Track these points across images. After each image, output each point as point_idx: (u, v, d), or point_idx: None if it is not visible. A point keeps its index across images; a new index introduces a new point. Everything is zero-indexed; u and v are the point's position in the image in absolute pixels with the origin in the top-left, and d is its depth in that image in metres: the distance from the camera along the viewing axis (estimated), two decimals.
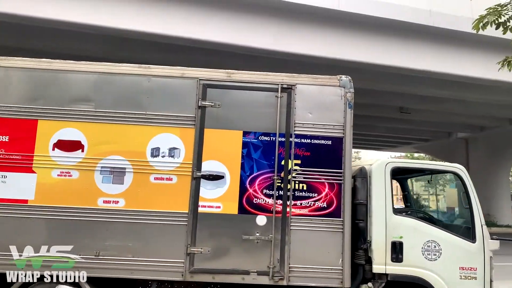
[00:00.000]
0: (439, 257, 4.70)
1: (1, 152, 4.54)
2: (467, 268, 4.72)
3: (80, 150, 4.60)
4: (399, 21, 12.52)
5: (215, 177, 4.64)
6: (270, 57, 12.81)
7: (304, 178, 4.68)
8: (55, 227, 4.48)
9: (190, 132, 4.69)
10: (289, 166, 4.68)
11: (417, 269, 4.69)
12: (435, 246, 4.71)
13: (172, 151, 4.65)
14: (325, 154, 4.74)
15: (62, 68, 4.73)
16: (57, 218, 4.48)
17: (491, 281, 4.76)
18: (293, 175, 4.67)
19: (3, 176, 4.51)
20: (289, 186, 4.65)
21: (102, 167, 4.58)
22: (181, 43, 11.91)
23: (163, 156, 4.64)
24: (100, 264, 4.43)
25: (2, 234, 4.43)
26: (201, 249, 4.50)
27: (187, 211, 4.56)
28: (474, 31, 6.75)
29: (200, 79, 4.78)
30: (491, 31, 6.86)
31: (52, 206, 4.49)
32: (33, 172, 4.54)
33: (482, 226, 4.82)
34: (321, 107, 4.82)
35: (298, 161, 4.71)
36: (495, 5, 6.67)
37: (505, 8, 6.59)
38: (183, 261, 4.48)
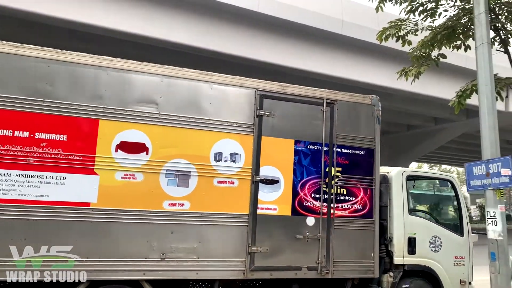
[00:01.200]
0: (440, 249, 5.79)
1: (58, 152, 4.26)
2: (458, 257, 5.91)
3: (145, 152, 4.55)
4: (314, 27, 13.15)
5: (271, 182, 5.01)
6: (192, 53, 12.76)
7: (344, 183, 5.33)
8: (119, 231, 4.38)
9: (249, 139, 4.99)
10: (332, 173, 5.29)
11: (426, 259, 5.71)
12: (438, 240, 5.79)
13: (233, 156, 4.90)
14: (360, 163, 5.46)
15: (124, 68, 4.61)
16: (121, 221, 4.39)
17: (472, 266, 6.03)
18: (335, 181, 5.29)
19: (62, 178, 4.25)
20: (332, 191, 5.26)
21: (167, 170, 4.61)
22: (100, 33, 11.42)
23: (225, 161, 4.85)
24: (166, 266, 4.48)
25: (64, 238, 4.18)
26: (260, 248, 4.84)
27: (247, 213, 4.85)
28: (378, 42, 7.20)
29: (257, 90, 5.10)
30: (394, 43, 7.33)
31: (116, 209, 4.38)
32: (95, 174, 4.36)
33: (467, 223, 6.06)
34: (357, 122, 5.53)
35: (339, 169, 5.34)
36: (396, 19, 7.07)
37: (404, 23, 7.00)
38: (244, 259, 4.77)
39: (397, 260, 5.58)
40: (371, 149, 5.54)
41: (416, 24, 7.06)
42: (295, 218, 5.06)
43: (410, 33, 7.04)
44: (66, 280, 4.17)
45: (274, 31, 13.17)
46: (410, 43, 7.11)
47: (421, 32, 7.01)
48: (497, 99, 5.74)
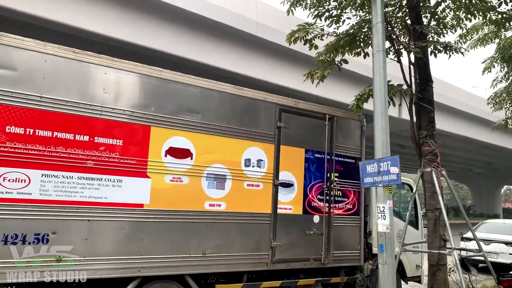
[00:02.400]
0: (405, 238, 7.12)
1: (115, 156, 4.50)
2: (415, 247, 7.32)
3: (189, 158, 4.99)
4: (229, 26, 13.28)
5: (288, 185, 5.79)
6: (107, 43, 12.30)
7: (340, 187, 6.34)
8: (168, 230, 4.76)
9: (271, 147, 5.70)
10: (332, 178, 6.26)
11: (395, 248, 6.99)
12: (402, 232, 7.11)
13: (259, 162, 5.56)
14: (351, 169, 6.51)
15: (171, 79, 4.97)
16: (170, 221, 4.78)
17: (422, 254, 7.52)
18: (334, 184, 6.27)
19: (119, 181, 4.50)
20: (331, 193, 6.22)
21: (207, 174, 5.10)
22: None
23: (253, 166, 5.49)
24: (206, 261, 4.97)
25: (119, 238, 4.44)
26: (280, 243, 5.58)
27: (270, 212, 5.56)
28: (287, 44, 7.17)
29: (277, 104, 5.82)
30: (305, 48, 7.45)
31: (166, 210, 4.76)
32: (148, 177, 4.68)
33: (421, 219, 7.53)
34: (349, 135, 6.58)
35: (337, 174, 6.33)
36: (304, 23, 7.11)
37: (311, 27, 7.03)
38: (268, 253, 5.47)
39: (375, 250, 6.76)
40: (359, 158, 6.63)
41: (323, 29, 7.15)
42: (305, 216, 5.90)
43: (317, 37, 7.15)
44: (120, 277, 4.43)
45: (190, 26, 13.06)
46: (316, 47, 7.21)
47: (327, 37, 7.16)
48: (390, 104, 6.22)
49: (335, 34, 7.04)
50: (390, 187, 4.77)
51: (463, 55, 6.69)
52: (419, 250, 7.16)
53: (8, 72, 4.04)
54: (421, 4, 6.53)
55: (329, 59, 7.13)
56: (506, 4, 6.48)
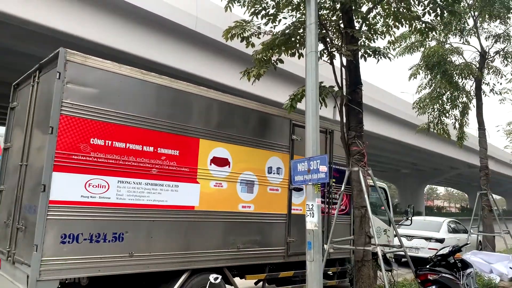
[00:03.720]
0: (381, 235, 8.46)
1: (174, 165, 5.17)
2: (388, 241, 8.69)
3: (227, 166, 5.78)
4: (168, 20, 13.47)
5: (299, 189, 6.77)
6: (38, 31, 12.22)
7: (336, 190, 7.46)
8: (212, 228, 5.52)
9: (287, 156, 6.64)
10: (330, 183, 7.35)
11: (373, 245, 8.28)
12: (379, 229, 8.44)
13: (278, 170, 6.48)
14: (343, 175, 7.65)
15: (217, 98, 5.74)
16: (213, 221, 5.54)
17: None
18: (332, 188, 7.37)
19: (176, 186, 5.18)
20: (330, 196, 7.32)
21: (241, 180, 5.92)
22: None
23: (274, 173, 6.41)
24: (240, 255, 5.80)
25: (175, 236, 5.13)
26: (293, 239, 6.56)
27: (286, 213, 6.51)
28: (225, 41, 7.05)
29: (291, 120, 6.78)
30: (243, 46, 7.30)
31: (210, 211, 5.52)
32: (197, 182, 5.41)
33: (392, 218, 8.92)
34: (342, 146, 7.72)
35: (334, 180, 7.45)
36: (241, 20, 6.97)
37: (248, 24, 6.90)
38: (284, 248, 6.42)
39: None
40: None
41: (259, 28, 7.04)
42: None
43: (254, 35, 7.06)
44: (176, 270, 5.13)
45: (128, 18, 13.06)
46: (253, 45, 7.09)
47: (263, 36, 7.07)
48: (322, 105, 6.31)
49: (271, 33, 6.96)
50: (319, 185, 4.81)
51: (390, 60, 6.88)
52: (346, 246, 7.09)
53: (91, 90, 4.56)
54: (353, 8, 6.61)
55: (265, 58, 6.97)
56: (430, 14, 6.70)
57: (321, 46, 6.84)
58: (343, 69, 6.75)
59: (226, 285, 5.71)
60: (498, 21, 11.88)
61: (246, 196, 5.99)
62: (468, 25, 12.56)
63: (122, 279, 4.84)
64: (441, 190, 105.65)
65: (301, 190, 6.77)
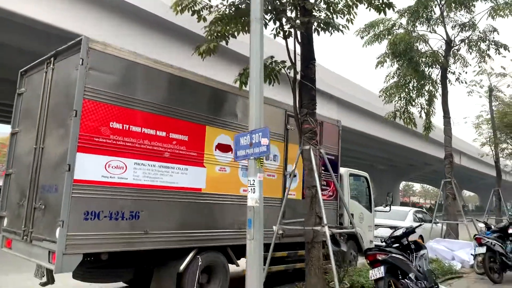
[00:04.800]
0: (363, 221, 9.08)
1: (183, 149, 5.51)
2: (369, 226, 9.31)
3: (230, 152, 6.15)
4: None
5: (294, 176, 7.24)
6: None
7: (325, 177, 7.98)
8: (217, 209, 5.90)
9: (282, 145, 7.09)
10: (320, 170, 7.86)
11: (357, 228, 8.88)
12: (361, 215, 9.06)
13: (275, 157, 6.93)
14: (332, 164, 8.18)
15: (221, 88, 6.11)
16: (219, 202, 5.92)
17: (373, 231, 9.57)
18: (322, 175, 7.88)
19: (185, 169, 5.52)
20: (320, 182, 7.81)
21: (242, 165, 6.31)
22: None
23: (270, 160, 6.84)
24: (242, 235, 6.18)
25: (185, 216, 5.48)
26: (287, 221, 7.01)
27: (281, 197, 6.96)
28: (175, 14, 6.42)
29: (286, 110, 7.23)
30: (195, 26, 7.15)
31: (216, 193, 5.89)
32: (204, 166, 5.76)
33: (373, 203, 9.57)
34: (331, 136, 8.26)
35: (323, 168, 7.95)
36: None
37: None
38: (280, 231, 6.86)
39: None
40: (336, 155, 8.35)
41: (210, 0, 6.64)
42: (303, 200, 7.40)
43: (205, 9, 6.61)
44: (184, 247, 5.48)
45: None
46: (205, 19, 6.63)
47: (215, 10, 6.66)
48: (274, 82, 6.29)
49: (222, 5, 6.63)
50: (262, 160, 4.62)
51: (343, 33, 6.61)
52: (295, 228, 6.80)
53: (111, 76, 4.83)
54: None
55: (219, 33, 6.49)
56: None
57: (275, 24, 6.56)
58: (298, 46, 6.46)
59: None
60: (464, 9, 12.33)
61: (247, 181, 6.37)
62: (435, 13, 12.92)
63: (137, 255, 5.15)
64: (417, 187, 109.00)
65: (294, 176, 7.23)
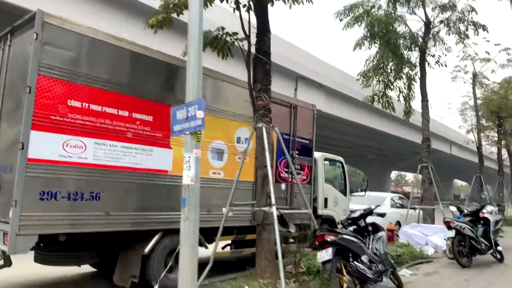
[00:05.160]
0: (337, 205, 9.09)
1: (148, 130, 5.38)
2: (344, 209, 9.34)
3: None
4: None
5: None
6: None
7: (299, 162, 7.94)
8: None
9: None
10: (294, 155, 7.82)
11: (331, 211, 8.91)
12: (336, 199, 9.07)
13: (246, 140, 6.82)
14: (306, 148, 8.15)
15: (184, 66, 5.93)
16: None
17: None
18: (295, 159, 7.84)
19: (150, 150, 5.40)
20: (293, 166, 7.77)
21: (211, 148, 6.22)
22: None
23: (242, 143, 6.75)
24: (211, 218, 6.13)
25: (153, 199, 5.38)
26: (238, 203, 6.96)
27: (252, 181, 6.88)
28: None
29: None
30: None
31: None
32: (170, 148, 5.65)
33: (348, 187, 9.58)
34: (305, 121, 8.19)
35: (297, 152, 7.91)
36: None
37: None
38: (250, 213, 6.82)
39: (319, 212, 8.57)
40: (311, 139, 8.31)
41: None
42: (276, 184, 7.36)
43: None
44: (149, 229, 5.39)
45: None
46: None
47: None
48: (228, 55, 6.07)
49: None
50: (199, 134, 4.32)
51: (303, 3, 6.09)
52: (245, 209, 6.65)
53: (68, 53, 4.66)
54: None
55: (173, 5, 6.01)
56: None
57: None
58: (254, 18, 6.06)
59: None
60: None
61: (217, 163, 6.30)
62: None
63: (99, 238, 5.05)
64: (409, 176, 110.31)
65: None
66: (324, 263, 4.75)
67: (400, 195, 14.22)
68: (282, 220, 5.43)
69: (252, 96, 6.00)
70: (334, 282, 4.65)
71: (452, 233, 7.46)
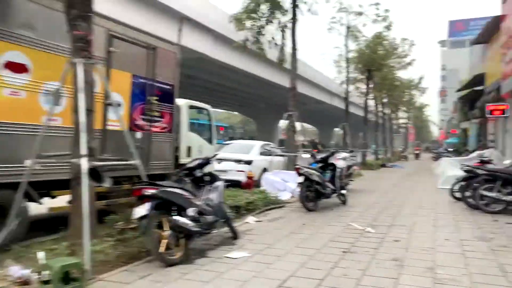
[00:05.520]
0: (201, 153, 9.02)
1: None
2: None
3: (27, 73, 5.17)
4: None
5: (116, 105, 6.57)
6: None
7: (159, 108, 7.51)
8: (9, 141, 5.01)
9: (103, 70, 6.27)
10: (152, 100, 7.34)
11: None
12: (200, 148, 8.98)
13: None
14: (167, 94, 7.72)
15: None
16: (10, 133, 5.02)
17: None
18: (154, 106, 7.38)
19: None
20: (151, 114, 7.34)
21: (45, 90, 5.40)
22: None
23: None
24: (44, 170, 5.43)
25: None
26: (110, 155, 6.46)
27: (100, 128, 6.29)
28: None
29: (109, 30, 6.35)
30: None
31: (5, 122, 4.95)
32: None
33: (215, 137, 9.54)
34: (167, 64, 7.67)
35: (156, 97, 7.43)
36: None
37: None
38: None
39: (181, 161, 8.39)
40: (173, 85, 7.88)
41: None
42: (132, 132, 6.87)
43: None
44: None
45: None
46: None
47: None
48: None
49: None
50: None
51: None
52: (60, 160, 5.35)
53: None
54: None
55: None
56: None
57: None
58: None
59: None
60: None
61: (51, 108, 5.52)
62: None
63: None
64: (297, 125, 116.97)
65: (118, 105, 6.57)
66: (140, 219, 4.34)
67: (270, 143, 14.44)
68: (95, 173, 4.53)
69: (68, 24, 4.71)
70: (151, 239, 4.34)
71: (301, 179, 7.96)
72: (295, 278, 3.98)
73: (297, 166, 8.19)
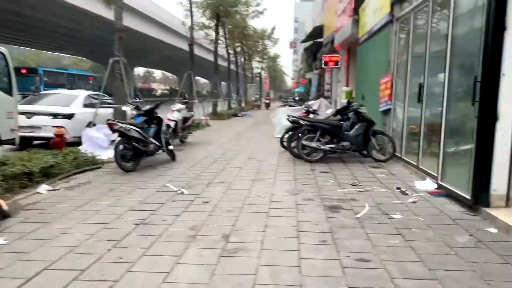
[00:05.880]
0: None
1: None
2: (10, 112, 7.52)
3: None
4: None
5: None
6: None
7: None
8: None
9: None
10: None
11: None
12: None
13: None
14: None
15: None
16: None
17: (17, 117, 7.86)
18: None
19: None
20: None
21: None
22: None
23: None
24: None
25: None
26: None
27: None
28: None
29: None
30: None
31: None
32: None
33: (15, 87, 7.66)
34: None
35: None
36: None
37: None
38: None
39: None
40: None
41: None
42: None
43: None
44: None
45: None
46: None
47: None
48: None
49: None
50: None
51: None
52: None
53: None
54: None
55: None
56: None
57: None
58: None
59: None
60: None
61: None
62: None
63: None
64: (158, 73, 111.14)
65: None
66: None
67: (100, 93, 12.19)
68: None
69: None
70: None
71: (115, 136, 6.94)
72: (48, 271, 3.06)
73: (110, 121, 7.00)
